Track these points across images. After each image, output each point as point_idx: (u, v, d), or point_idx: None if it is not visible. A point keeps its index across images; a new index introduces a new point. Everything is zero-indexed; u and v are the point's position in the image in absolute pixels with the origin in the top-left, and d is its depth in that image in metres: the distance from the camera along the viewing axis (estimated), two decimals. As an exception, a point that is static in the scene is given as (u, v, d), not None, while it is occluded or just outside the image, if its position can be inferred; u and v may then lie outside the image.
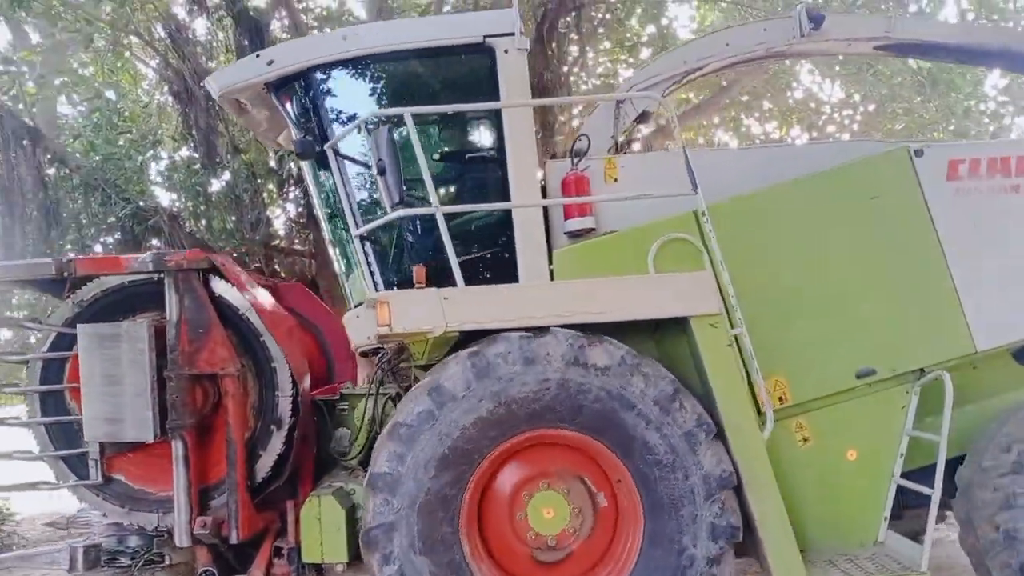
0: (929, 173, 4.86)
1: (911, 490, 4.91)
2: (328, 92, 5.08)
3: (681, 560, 4.13)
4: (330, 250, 5.56)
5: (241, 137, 10.60)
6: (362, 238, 4.95)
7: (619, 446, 4.21)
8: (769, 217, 4.88)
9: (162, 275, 4.56)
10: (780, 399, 4.82)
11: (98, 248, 14.69)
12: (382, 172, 4.49)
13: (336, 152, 4.93)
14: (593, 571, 4.43)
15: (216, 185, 11.04)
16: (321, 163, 5.21)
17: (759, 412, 4.79)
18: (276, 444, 4.73)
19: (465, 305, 4.31)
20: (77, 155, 11.00)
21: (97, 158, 10.74)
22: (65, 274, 4.64)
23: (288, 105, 5.19)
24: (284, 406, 4.73)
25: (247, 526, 4.59)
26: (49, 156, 10.81)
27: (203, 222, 11.28)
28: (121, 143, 11.13)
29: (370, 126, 4.69)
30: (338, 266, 5.34)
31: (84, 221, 11.68)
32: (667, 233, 4.78)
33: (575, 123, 14.24)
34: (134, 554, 4.89)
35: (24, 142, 10.45)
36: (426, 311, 4.27)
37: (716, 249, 4.52)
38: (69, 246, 12.91)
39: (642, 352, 4.60)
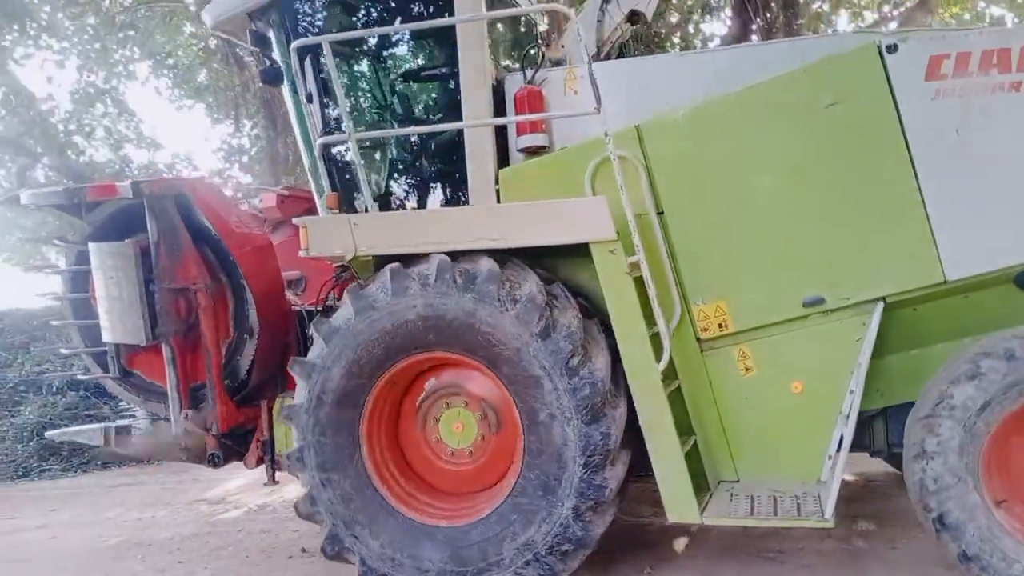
0: (903, 72, 4.17)
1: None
2: (296, 20, 5.26)
3: (558, 466, 4.22)
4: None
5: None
6: (323, 160, 5.18)
7: (491, 364, 4.30)
8: (710, 131, 4.49)
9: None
10: (720, 326, 4.58)
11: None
12: (310, 101, 4.70)
13: (293, 82, 5.18)
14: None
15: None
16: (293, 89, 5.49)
17: (697, 339, 4.63)
18: (249, 350, 5.31)
19: (373, 231, 4.49)
20: None
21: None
22: (76, 200, 5.40)
23: (266, 34, 5.45)
24: (254, 318, 5.27)
25: (225, 420, 5.25)
26: None
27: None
28: None
29: (306, 56, 4.86)
30: (313, 187, 5.68)
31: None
32: (605, 151, 4.58)
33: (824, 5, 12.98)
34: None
35: None
36: (338, 236, 4.52)
37: (618, 170, 4.27)
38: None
39: (580, 278, 4.56)
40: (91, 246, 5.28)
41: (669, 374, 4.49)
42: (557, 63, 5.47)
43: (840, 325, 4.39)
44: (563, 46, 5.58)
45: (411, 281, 4.24)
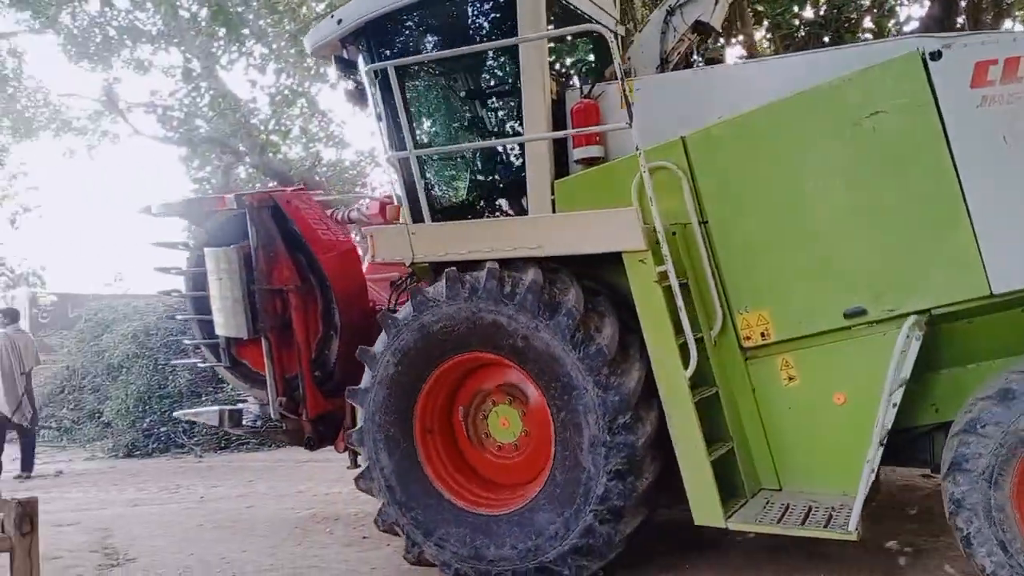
0: (948, 79, 4.05)
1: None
2: (380, 45, 5.71)
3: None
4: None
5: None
6: (400, 173, 5.62)
7: (527, 365, 4.58)
8: (753, 142, 4.53)
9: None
10: (763, 334, 4.62)
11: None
12: (380, 120, 5.15)
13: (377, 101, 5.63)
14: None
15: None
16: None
17: (741, 347, 4.68)
18: (335, 346, 5.86)
19: (428, 240, 4.89)
20: None
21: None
22: (196, 210, 6.16)
23: (352, 59, 5.96)
24: (338, 317, 5.81)
25: (312, 407, 5.82)
26: None
27: None
28: None
29: (377, 81, 5.31)
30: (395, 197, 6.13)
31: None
32: (650, 162, 4.73)
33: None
34: (267, 420, 6.46)
35: None
36: (399, 244, 4.95)
37: (648, 183, 4.40)
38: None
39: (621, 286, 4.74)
40: (206, 251, 6.01)
41: (707, 381, 4.60)
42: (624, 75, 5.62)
43: (883, 337, 4.30)
44: (628, 58, 5.74)
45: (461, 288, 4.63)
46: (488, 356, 4.76)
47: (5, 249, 23.31)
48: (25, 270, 23.31)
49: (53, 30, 15.37)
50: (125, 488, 9.22)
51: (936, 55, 4.07)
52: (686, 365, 4.32)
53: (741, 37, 10.92)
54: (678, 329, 4.39)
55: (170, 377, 12.32)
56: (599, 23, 5.87)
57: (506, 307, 4.49)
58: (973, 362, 4.42)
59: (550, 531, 4.53)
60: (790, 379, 4.61)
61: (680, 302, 4.32)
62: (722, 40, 10.42)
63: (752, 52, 10.70)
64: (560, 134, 5.07)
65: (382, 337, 4.94)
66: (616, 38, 6.24)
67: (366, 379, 5.02)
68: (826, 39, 10.33)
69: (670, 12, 5.65)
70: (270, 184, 15.59)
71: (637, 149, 4.41)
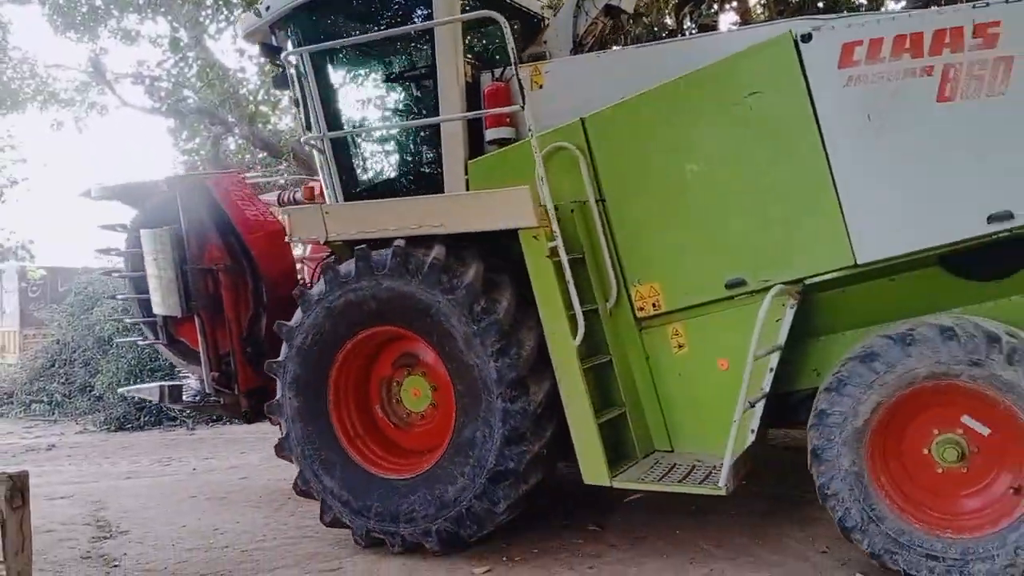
0: (817, 60, 4.25)
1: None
2: (306, 31, 5.89)
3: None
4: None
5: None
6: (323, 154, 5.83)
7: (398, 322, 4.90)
8: (644, 122, 4.75)
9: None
10: (654, 305, 4.86)
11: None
12: (297, 105, 5.35)
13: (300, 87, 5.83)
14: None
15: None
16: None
17: (636, 318, 4.92)
18: (263, 323, 6.08)
19: (341, 219, 5.10)
20: None
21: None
22: (132, 193, 6.37)
23: (278, 45, 6.14)
24: (266, 294, 6.03)
25: (244, 381, 6.06)
26: None
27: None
28: None
29: (295, 65, 5.51)
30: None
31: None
32: (552, 143, 4.94)
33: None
34: (205, 396, 6.69)
35: None
36: (314, 224, 5.15)
37: (540, 163, 4.61)
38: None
39: None
40: (142, 232, 6.23)
41: (600, 349, 4.85)
42: (538, 58, 5.84)
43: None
44: (545, 42, 5.95)
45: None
46: (364, 334, 5.01)
47: (-8, 223, 23.29)
48: (13, 244, 23.18)
49: (38, 0, 15.29)
50: (117, 461, 9.24)
51: (807, 37, 4.27)
52: (575, 335, 4.55)
53: (736, 3, 11.04)
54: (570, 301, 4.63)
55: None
56: (524, 8, 6.08)
57: (356, 282, 4.80)
58: (849, 329, 4.67)
59: (479, 436, 4.68)
60: (679, 347, 4.86)
61: (569, 276, 4.54)
62: (716, 7, 10.62)
63: (746, 19, 10.78)
64: (466, 115, 5.27)
65: (278, 384, 5.20)
66: (541, 22, 6.46)
67: (283, 427, 5.26)
68: (820, 4, 10.38)
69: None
70: (260, 155, 15.64)
71: (530, 131, 4.61)
